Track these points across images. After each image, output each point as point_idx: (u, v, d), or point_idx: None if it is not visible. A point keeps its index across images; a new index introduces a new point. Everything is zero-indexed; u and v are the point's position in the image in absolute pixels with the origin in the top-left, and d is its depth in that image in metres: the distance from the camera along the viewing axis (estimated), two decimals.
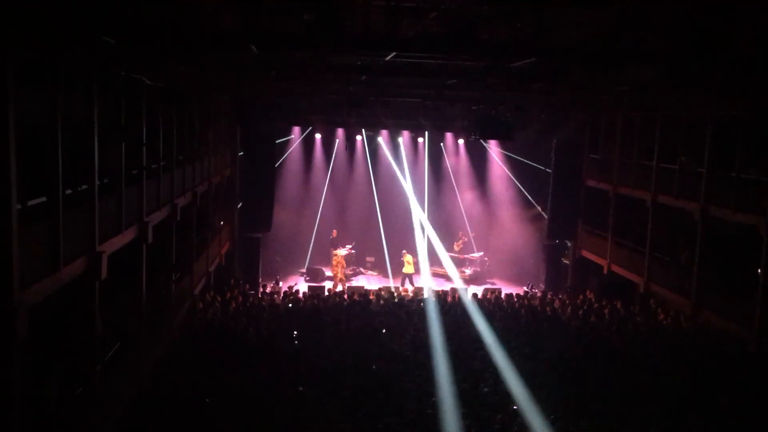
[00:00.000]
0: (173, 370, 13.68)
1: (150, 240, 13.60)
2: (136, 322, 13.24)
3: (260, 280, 24.23)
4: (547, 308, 20.70)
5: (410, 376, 13.76)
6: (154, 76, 13.55)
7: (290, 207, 27.41)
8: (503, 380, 13.59)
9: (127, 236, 12.53)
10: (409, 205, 27.62)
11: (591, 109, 22.85)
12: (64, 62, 9.33)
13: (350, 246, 27.51)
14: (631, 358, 15.44)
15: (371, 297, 21.15)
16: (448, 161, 28.90)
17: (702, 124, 18.11)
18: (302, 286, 24.10)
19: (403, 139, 28.34)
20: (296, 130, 27.27)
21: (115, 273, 11.69)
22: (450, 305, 20.47)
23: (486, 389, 13.15)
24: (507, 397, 12.69)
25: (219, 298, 19.93)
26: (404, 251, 25.69)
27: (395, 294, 22.22)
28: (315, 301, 20.55)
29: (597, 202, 24.58)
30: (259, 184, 24.27)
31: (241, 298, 20.49)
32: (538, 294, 23.85)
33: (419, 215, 27.23)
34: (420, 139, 28.43)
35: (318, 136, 27.84)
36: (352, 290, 22.94)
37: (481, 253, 27.99)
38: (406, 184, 27.90)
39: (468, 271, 27.39)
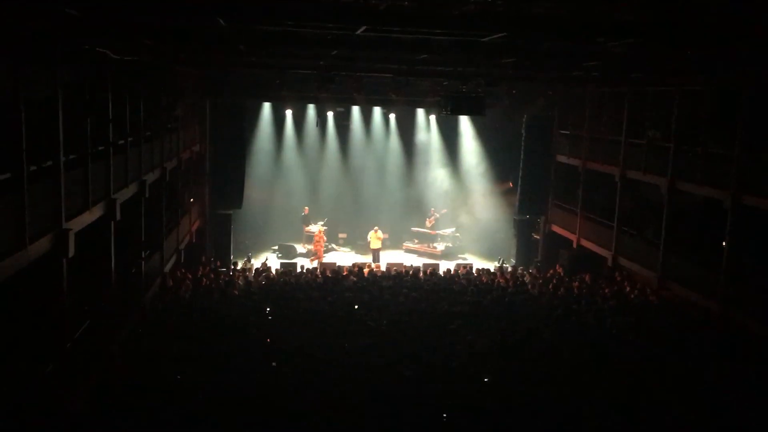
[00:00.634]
0: (144, 347, 13.59)
1: (118, 217, 13.42)
2: (105, 300, 13.10)
3: (232, 258, 24.10)
4: (518, 282, 20.95)
5: (383, 351, 13.85)
6: (119, 50, 13.27)
7: (261, 183, 27.22)
8: (475, 354, 13.77)
9: (95, 213, 12.34)
10: (380, 181, 27.66)
11: (561, 85, 22.97)
12: (26, 35, 9.08)
13: (322, 223, 27.46)
14: (598, 329, 15.74)
15: (344, 273, 21.20)
16: (420, 137, 28.88)
17: (669, 99, 18.33)
18: (274, 263, 24.04)
19: (375, 115, 28.24)
20: (267, 105, 26.98)
21: (84, 251, 11.52)
22: (422, 280, 20.61)
23: (456, 363, 13.30)
24: (479, 371, 12.85)
25: (190, 276, 19.81)
26: (375, 227, 25.74)
27: (367, 270, 22.28)
28: (287, 277, 20.55)
29: (567, 178, 24.83)
30: (229, 160, 24.02)
31: (212, 276, 20.40)
32: (509, 269, 24.12)
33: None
34: (392, 115, 28.34)
35: (289, 111, 27.59)
36: (325, 266, 22.98)
37: (453, 229, 28.15)
38: (378, 160, 27.87)
39: (440, 247, 27.56)
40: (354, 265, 23.00)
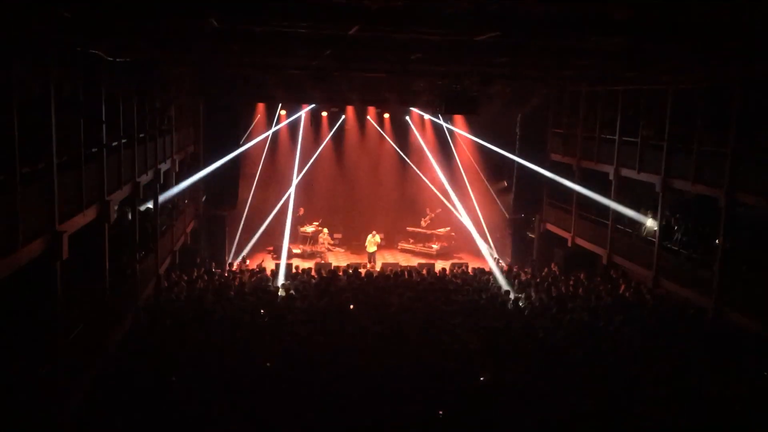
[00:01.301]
0: (138, 350, 13.55)
1: (112, 219, 13.37)
2: (99, 302, 13.05)
3: (227, 258, 24.04)
4: (514, 281, 20.96)
5: (377, 350, 13.83)
6: (113, 51, 13.22)
7: (256, 184, 27.16)
8: (470, 353, 13.76)
9: (89, 215, 12.30)
10: (375, 181, 27.66)
11: (555, 84, 22.99)
12: (19, 37, 9.04)
13: (317, 223, 27.45)
14: (594, 327, 15.76)
15: (339, 273, 21.17)
16: (414, 136, 28.88)
17: (662, 97, 18.37)
18: (269, 264, 23.99)
19: (369, 114, 28.23)
20: (261, 106, 26.92)
21: (78, 253, 11.47)
22: (417, 280, 20.60)
23: (452, 362, 13.30)
24: (474, 369, 12.84)
25: (185, 277, 19.75)
26: (373, 231, 25.71)
27: (363, 270, 22.27)
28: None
29: (561, 176, 24.82)
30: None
31: (207, 277, 20.34)
32: (505, 267, 24.14)
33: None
34: (386, 115, 28.32)
35: (283, 112, 27.54)
36: (320, 266, 22.95)
37: (448, 228, 28.16)
38: (373, 160, 27.86)
39: (435, 246, 27.56)
40: (349, 265, 22.98)
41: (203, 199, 24.51)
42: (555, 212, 25.24)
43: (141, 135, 16.40)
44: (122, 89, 14.59)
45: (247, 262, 24.44)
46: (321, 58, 15.38)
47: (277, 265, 23.12)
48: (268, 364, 12.86)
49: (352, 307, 17.05)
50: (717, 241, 16.25)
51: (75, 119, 11.57)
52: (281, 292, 18.63)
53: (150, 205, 17.76)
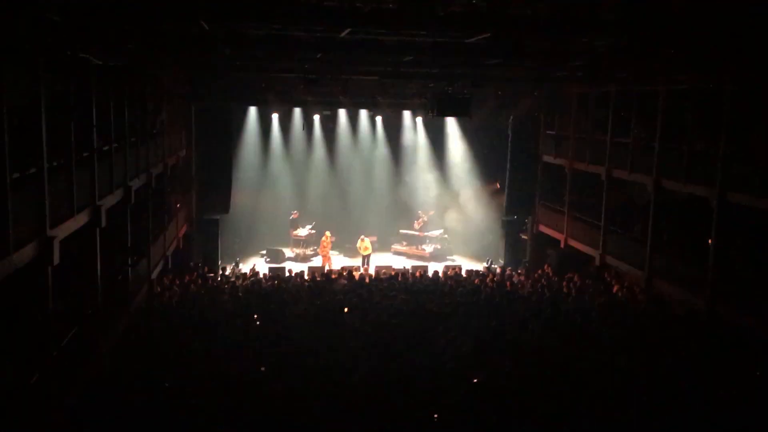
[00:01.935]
0: (131, 355, 13.48)
1: (104, 224, 13.29)
2: (92, 307, 12.98)
3: (220, 263, 23.98)
4: (507, 283, 20.98)
5: (372, 353, 13.81)
6: (102, 55, 13.17)
7: (249, 188, 27.11)
8: (464, 355, 13.75)
9: (80, 220, 12.22)
10: (368, 184, 27.65)
11: (546, 85, 23.06)
12: (7, 41, 8.99)
13: (310, 226, 27.41)
14: (587, 328, 15.78)
15: (333, 276, 21.14)
16: (406, 139, 28.89)
17: (654, 98, 18.44)
18: (263, 268, 23.94)
19: (361, 117, 28.23)
20: (253, 109, 26.89)
21: (69, 258, 11.41)
22: (411, 283, 20.59)
23: (448, 365, 13.29)
24: (468, 371, 12.83)
25: (177, 282, 19.68)
26: (362, 236, 25.68)
27: (356, 273, 22.24)
28: (276, 282, 20.48)
29: (554, 178, 24.91)
30: (216, 165, 23.92)
31: (200, 281, 20.28)
32: (498, 269, 24.16)
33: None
34: (378, 118, 28.33)
35: (275, 115, 27.52)
36: (314, 270, 22.91)
37: (441, 231, 28.17)
38: (365, 163, 27.86)
39: (428, 249, 27.56)
40: (343, 268, 22.95)
41: (196, 202, 24.42)
42: (548, 213, 25.30)
43: (132, 139, 16.34)
44: (113, 93, 14.53)
45: (240, 266, 24.37)
46: (313, 61, 15.38)
47: (270, 269, 23.07)
48: (262, 369, 12.82)
49: (346, 310, 17.02)
50: (709, 240, 16.31)
51: (65, 124, 11.51)
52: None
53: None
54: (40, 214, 10.29)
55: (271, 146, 28.02)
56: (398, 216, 28.57)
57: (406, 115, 28.21)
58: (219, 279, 21.23)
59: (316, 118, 27.84)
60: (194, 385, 11.79)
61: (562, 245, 23.82)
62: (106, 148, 14.15)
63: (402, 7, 9.39)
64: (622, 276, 20.73)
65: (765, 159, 14.51)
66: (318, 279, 20.87)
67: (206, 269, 22.54)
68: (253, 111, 26.94)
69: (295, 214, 27.42)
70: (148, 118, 17.83)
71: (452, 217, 28.26)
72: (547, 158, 25.17)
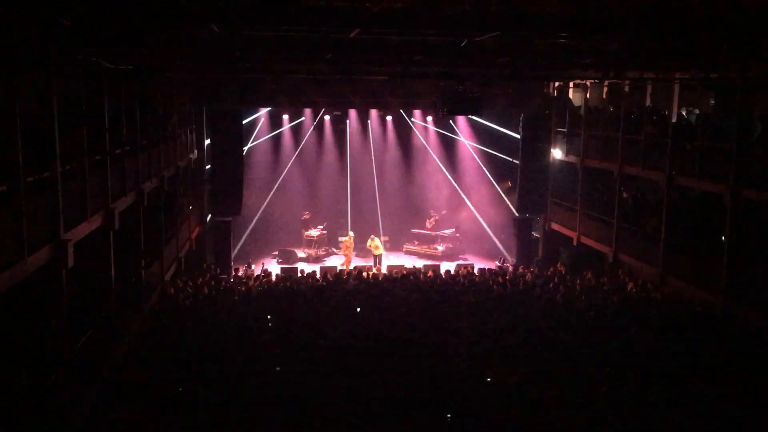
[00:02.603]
0: (146, 357, 13.55)
1: (117, 227, 13.39)
2: (106, 309, 13.07)
3: (232, 264, 24.07)
4: (519, 281, 20.91)
5: (384, 353, 13.81)
6: (114, 59, 13.26)
7: (260, 189, 27.20)
8: (477, 354, 13.73)
9: (93, 223, 12.32)
10: (379, 184, 27.69)
11: (557, 82, 22.99)
12: (20, 46, 9.07)
13: (322, 227, 27.46)
14: (600, 326, 15.69)
15: (344, 276, 21.16)
16: (417, 138, 28.88)
17: (666, 94, 18.32)
18: (275, 268, 24.00)
19: (372, 117, 28.24)
20: (263, 110, 26.97)
21: (83, 261, 11.50)
22: (423, 282, 20.57)
23: (460, 364, 13.27)
24: (481, 371, 12.81)
25: (191, 283, 19.77)
26: (372, 236, 25.70)
27: (368, 274, 22.25)
28: (288, 282, 20.52)
29: (565, 175, 24.80)
30: (227, 166, 24.01)
31: (213, 282, 20.36)
32: (510, 268, 24.09)
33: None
34: (388, 117, 28.34)
35: (285, 116, 27.59)
36: (326, 270, 22.94)
37: (453, 230, 28.13)
38: (376, 163, 27.86)
39: (440, 248, 27.54)
40: (355, 268, 22.97)
41: (208, 204, 24.53)
42: (560, 211, 25.19)
43: (144, 142, 16.44)
44: (124, 97, 14.62)
45: (253, 267, 24.45)
46: (323, 62, 15.40)
47: (283, 269, 23.12)
48: (277, 369, 12.85)
49: (359, 310, 17.04)
50: (723, 237, 16.19)
51: (78, 127, 11.60)
52: None
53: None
54: (55, 217, 10.38)
55: (282, 147, 28.10)
56: (410, 215, 28.56)
57: (417, 114, 28.19)
58: (231, 280, 21.29)
59: (327, 118, 27.87)
60: (208, 387, 11.83)
61: (574, 243, 23.72)
62: (118, 151, 14.25)
63: (411, 7, 9.38)
64: (635, 273, 20.61)
65: None
66: (330, 279, 20.89)
67: (219, 270, 22.64)
68: (263, 112, 27.02)
69: (306, 215, 27.49)
70: (159, 120, 17.93)
71: (464, 216, 28.22)
72: (558, 155, 25.07)
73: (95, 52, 12.28)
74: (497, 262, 25.58)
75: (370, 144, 28.61)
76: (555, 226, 25.46)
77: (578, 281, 20.47)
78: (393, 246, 27.80)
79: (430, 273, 22.03)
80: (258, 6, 9.13)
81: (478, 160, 27.98)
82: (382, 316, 16.42)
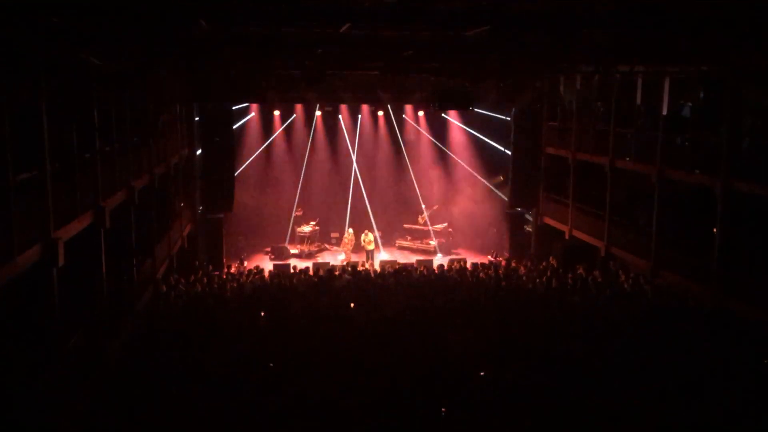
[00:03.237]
0: (138, 355, 13.51)
1: (108, 225, 13.34)
2: (98, 308, 13.02)
3: (225, 261, 24.01)
4: (512, 276, 20.96)
5: (378, 348, 13.81)
6: (103, 56, 13.18)
7: (252, 186, 27.12)
8: (470, 348, 13.74)
9: (84, 222, 12.27)
10: (371, 179, 27.67)
11: (548, 76, 23.00)
12: (7, 44, 9.00)
13: (314, 222, 27.42)
14: (593, 320, 15.75)
15: (336, 273, 21.14)
16: (409, 133, 28.85)
17: (656, 87, 18.37)
18: (267, 265, 23.97)
19: (363, 112, 28.19)
20: (254, 107, 26.87)
21: (74, 259, 11.44)
22: (416, 277, 20.58)
23: (452, 358, 13.28)
24: (474, 366, 12.82)
25: (183, 281, 19.71)
26: (366, 231, 25.69)
27: (360, 269, 22.24)
28: (281, 279, 20.49)
29: (557, 169, 24.85)
30: (218, 163, 23.92)
31: (206, 280, 20.31)
32: (503, 262, 24.13)
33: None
34: (380, 113, 28.30)
35: (276, 113, 27.51)
36: (318, 266, 22.92)
37: (446, 224, 28.15)
38: (367, 158, 27.83)
39: (433, 243, 27.56)
40: (347, 263, 22.95)
41: (199, 202, 24.45)
42: (552, 205, 25.24)
43: (134, 140, 16.36)
44: (114, 94, 14.54)
45: (245, 264, 24.40)
46: (313, 58, 15.36)
47: (275, 266, 23.08)
48: (271, 365, 12.84)
49: (352, 305, 17.04)
50: (714, 230, 16.26)
51: (67, 125, 11.53)
52: None
53: None
54: (44, 216, 10.33)
55: (273, 143, 28.02)
56: (402, 211, 28.56)
57: (408, 109, 28.16)
58: (224, 277, 21.25)
59: (318, 113, 27.80)
60: (201, 385, 11.81)
61: (567, 237, 23.78)
62: (108, 149, 14.18)
63: (401, 2, 9.37)
64: (627, 267, 20.69)
65: None
66: (322, 275, 20.88)
67: (211, 268, 22.57)
68: (254, 108, 26.93)
69: (299, 211, 27.45)
70: (149, 118, 17.84)
71: (456, 211, 28.23)
72: (550, 150, 25.10)
73: (84, 49, 12.19)
74: (490, 257, 25.60)
75: (361, 139, 28.54)
76: (547, 220, 25.50)
77: (570, 275, 20.53)
78: (385, 241, 27.79)
79: (422, 268, 22.04)
80: (248, 2, 9.10)
81: (470, 155, 27.97)
82: (375, 311, 16.41)
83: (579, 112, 22.97)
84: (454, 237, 28.13)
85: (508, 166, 25.91)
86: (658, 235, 18.57)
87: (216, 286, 19.61)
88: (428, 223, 27.90)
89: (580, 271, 20.95)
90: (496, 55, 15.10)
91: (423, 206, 28.15)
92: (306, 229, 27.17)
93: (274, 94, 23.20)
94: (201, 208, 24.51)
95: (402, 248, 27.95)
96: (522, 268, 22.59)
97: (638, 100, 19.59)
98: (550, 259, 23.51)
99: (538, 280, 20.07)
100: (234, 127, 24.81)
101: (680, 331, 14.56)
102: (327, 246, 27.95)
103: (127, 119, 15.56)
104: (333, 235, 28.18)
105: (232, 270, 22.65)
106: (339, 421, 10.76)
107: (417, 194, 28.64)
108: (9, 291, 9.19)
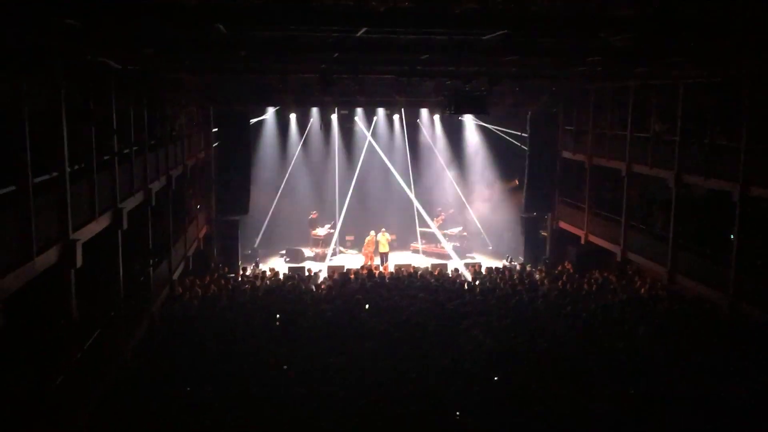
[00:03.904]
0: (154, 356, 13.60)
1: (125, 226, 13.45)
2: (114, 309, 13.12)
3: (240, 263, 24.12)
4: (527, 281, 20.87)
5: (392, 352, 13.80)
6: (121, 59, 13.31)
7: (267, 188, 27.22)
8: (484, 353, 13.70)
9: (102, 223, 12.38)
10: (386, 183, 27.66)
11: (564, 81, 22.87)
12: (27, 47, 9.11)
13: (329, 225, 27.47)
14: (609, 325, 15.65)
15: (351, 276, 21.16)
16: (424, 137, 28.85)
17: (674, 92, 18.23)
18: (282, 268, 24.04)
19: (378, 116, 28.22)
20: (270, 110, 27.00)
21: (92, 260, 11.55)
22: (430, 281, 20.55)
23: (466, 363, 13.25)
24: (488, 370, 12.79)
25: (198, 283, 19.82)
26: (382, 229, 25.68)
27: (375, 272, 22.24)
28: (296, 282, 20.54)
29: (573, 174, 24.73)
30: (234, 166, 24.04)
31: (221, 282, 20.41)
32: (518, 266, 24.04)
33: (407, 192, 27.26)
34: (395, 116, 28.32)
35: (293, 116, 27.61)
36: (333, 269, 22.96)
37: (460, 228, 28.10)
38: (383, 162, 27.84)
39: (448, 247, 27.48)
40: (362, 267, 22.97)
41: (215, 204, 24.58)
42: (568, 210, 25.12)
43: (152, 142, 16.49)
44: (132, 97, 14.67)
45: (260, 266, 24.50)
46: (329, 62, 15.40)
47: (290, 269, 23.14)
48: (285, 367, 12.87)
49: (367, 306, 17.06)
50: (731, 235, 16.11)
51: (86, 128, 11.64)
52: None
53: None
54: (63, 217, 10.43)
55: (289, 146, 28.12)
56: (417, 214, 28.53)
57: (424, 112, 28.16)
58: (239, 279, 21.34)
59: (334, 117, 27.88)
60: (215, 387, 11.86)
61: (582, 242, 23.65)
62: (126, 151, 14.30)
63: (417, 6, 9.36)
64: (643, 272, 20.53)
65: None
66: (336, 278, 20.91)
67: (226, 270, 22.68)
68: (270, 111, 27.06)
69: (314, 214, 27.51)
70: (167, 120, 17.97)
71: (471, 215, 28.17)
72: (566, 154, 25.00)
73: (103, 53, 12.32)
74: (505, 261, 25.52)
75: (377, 143, 28.56)
76: (563, 225, 25.40)
77: (586, 280, 20.41)
78: (400, 245, 27.77)
79: (437, 272, 22.01)
80: (265, 6, 9.13)
81: (485, 159, 27.91)
82: (390, 315, 16.41)
83: (595, 116, 22.84)
84: (468, 241, 28.07)
85: (523, 170, 25.81)
86: (675, 240, 18.41)
87: (231, 288, 19.69)
88: (443, 227, 27.82)
89: (596, 275, 20.82)
90: (513, 59, 15.05)
91: (438, 210, 28.12)
92: (321, 231, 27.22)
93: (290, 97, 23.29)
94: (217, 210, 24.62)
95: (417, 251, 27.92)
96: (537, 272, 22.49)
97: (655, 104, 19.42)
98: (566, 263, 23.38)
99: (552, 285, 19.98)
100: (250, 130, 24.93)
101: (696, 337, 14.43)
102: (342, 249, 27.98)
103: (144, 122, 15.69)
104: (348, 238, 28.21)
105: (247, 272, 22.74)
106: (349, 424, 10.76)
107: (432, 198, 28.61)
108: (27, 292, 9.28)
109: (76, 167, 11.29)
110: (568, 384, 12.11)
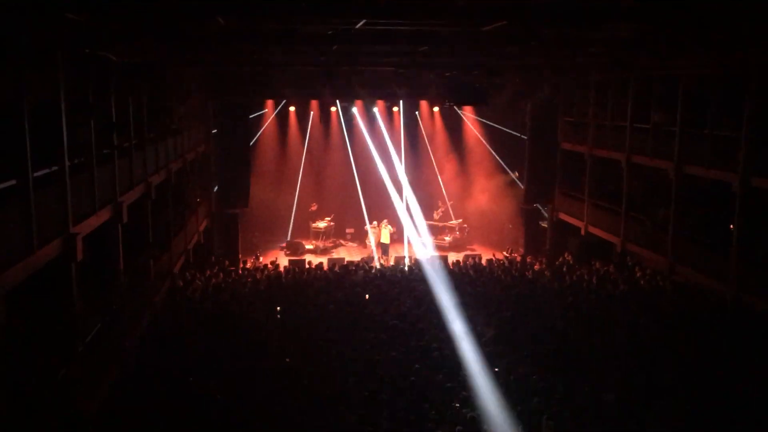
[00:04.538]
0: (156, 349, 13.63)
1: (125, 220, 13.45)
2: (116, 302, 13.13)
3: (240, 256, 24.13)
4: (527, 272, 20.89)
5: (393, 345, 13.84)
6: (121, 53, 13.27)
7: (267, 182, 27.19)
8: (485, 343, 13.73)
9: (102, 217, 12.37)
10: (386, 175, 27.64)
11: (564, 72, 22.82)
12: (27, 41, 9.08)
13: (329, 218, 27.46)
14: (609, 316, 15.67)
15: (352, 268, 21.17)
16: (424, 129, 28.80)
17: (674, 83, 18.18)
18: (283, 260, 24.05)
19: (378, 108, 28.16)
20: (270, 103, 26.94)
21: (93, 254, 11.55)
22: (430, 273, 20.54)
23: (468, 354, 13.28)
24: (488, 360, 12.81)
25: (199, 276, 19.83)
26: (385, 220, 25.68)
27: (376, 264, 22.26)
28: (296, 274, 20.56)
29: (573, 165, 24.69)
30: (234, 159, 24.01)
31: (221, 275, 20.42)
32: (518, 258, 24.05)
33: (400, 184, 27.18)
34: (395, 108, 28.26)
35: (292, 108, 27.57)
36: (333, 262, 22.97)
37: (460, 220, 28.10)
38: (383, 154, 27.81)
39: (448, 239, 27.52)
40: (362, 259, 22.98)
41: (215, 197, 24.58)
42: (568, 201, 25.10)
43: (151, 135, 16.46)
44: (132, 90, 14.63)
45: (260, 259, 24.51)
46: (329, 54, 15.36)
47: (291, 261, 23.16)
48: (287, 360, 12.90)
49: (367, 297, 17.09)
50: (731, 226, 16.10)
51: (86, 122, 11.62)
52: None
53: None
54: (63, 211, 10.42)
55: (288, 139, 28.08)
56: (417, 206, 28.48)
57: (424, 104, 28.10)
58: (240, 272, 21.35)
59: (333, 109, 27.82)
60: (218, 378, 11.90)
61: (582, 233, 23.65)
62: (126, 145, 14.28)
63: None
64: (644, 263, 20.53)
65: None
66: (337, 270, 20.93)
67: (227, 263, 22.69)
68: (270, 104, 26.99)
69: (314, 207, 27.49)
70: (166, 114, 17.94)
71: (471, 207, 28.15)
72: (566, 145, 24.95)
73: (102, 46, 12.28)
74: (505, 253, 25.53)
75: (377, 134, 28.50)
76: (563, 216, 25.38)
77: (586, 271, 20.43)
78: (400, 237, 27.76)
79: (437, 264, 21.98)
80: None
81: (486, 151, 27.86)
82: (390, 306, 16.44)
83: (595, 107, 22.79)
84: (469, 233, 28.07)
85: (524, 162, 25.78)
86: (676, 231, 18.41)
87: (231, 281, 19.71)
88: (443, 218, 27.81)
89: (596, 266, 20.83)
90: (513, 51, 15.01)
91: (438, 202, 28.10)
92: (321, 224, 27.21)
93: (290, 90, 23.24)
94: (217, 203, 24.61)
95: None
96: (537, 264, 22.50)
97: (655, 95, 19.37)
98: (566, 254, 23.39)
99: (553, 276, 20.00)
100: (250, 123, 24.88)
101: (698, 328, 14.45)
102: (342, 241, 27.98)
103: (144, 115, 15.66)
104: (348, 230, 28.20)
105: (248, 265, 22.75)
106: (353, 413, 10.79)
107: (432, 190, 28.58)
108: (29, 286, 9.29)
109: (76, 161, 11.27)
110: (569, 374, 12.14)
